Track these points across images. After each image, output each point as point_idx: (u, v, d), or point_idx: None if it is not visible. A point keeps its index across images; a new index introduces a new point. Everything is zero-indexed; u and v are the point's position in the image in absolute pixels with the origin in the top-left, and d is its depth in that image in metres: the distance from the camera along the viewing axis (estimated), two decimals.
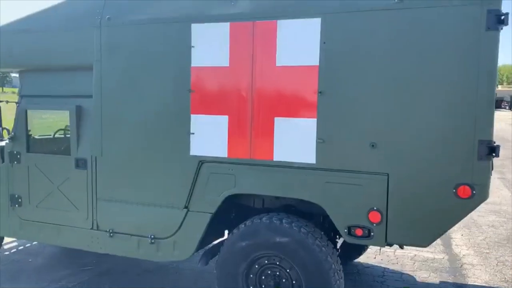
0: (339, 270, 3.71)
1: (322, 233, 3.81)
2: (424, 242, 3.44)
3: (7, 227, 4.93)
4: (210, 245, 4.42)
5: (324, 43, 3.50)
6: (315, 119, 3.57)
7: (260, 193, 3.91)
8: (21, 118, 4.75)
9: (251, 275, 3.90)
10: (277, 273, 3.84)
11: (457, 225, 3.68)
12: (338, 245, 4.62)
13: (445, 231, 3.40)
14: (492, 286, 5.18)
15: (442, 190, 3.27)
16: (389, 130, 3.38)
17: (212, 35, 3.85)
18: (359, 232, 3.54)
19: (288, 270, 3.78)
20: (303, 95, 3.60)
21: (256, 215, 3.96)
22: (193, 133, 3.98)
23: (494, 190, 8.94)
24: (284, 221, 3.77)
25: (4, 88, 54.58)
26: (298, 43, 3.59)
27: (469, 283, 5.24)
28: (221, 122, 3.89)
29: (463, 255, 6.17)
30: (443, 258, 6.05)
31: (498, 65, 3.30)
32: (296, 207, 4.13)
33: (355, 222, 3.54)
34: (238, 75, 3.80)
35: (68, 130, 4.73)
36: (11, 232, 4.96)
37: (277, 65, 3.67)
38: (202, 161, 3.98)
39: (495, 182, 10.77)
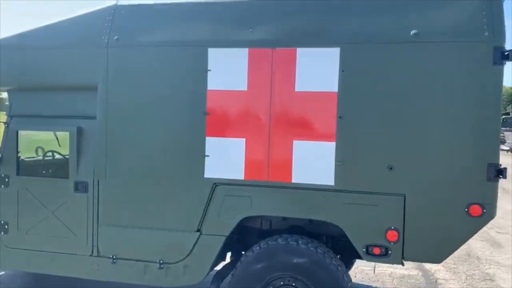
0: None
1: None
2: (438, 258, 3.67)
3: None
4: (220, 268, 4.39)
5: (343, 71, 3.70)
6: (334, 143, 3.73)
7: (276, 214, 3.98)
8: (11, 139, 4.49)
9: None
10: None
11: None
12: None
13: (458, 247, 3.65)
14: None
15: (455, 209, 3.54)
16: (406, 153, 3.61)
17: (230, 60, 3.92)
18: (376, 251, 3.71)
19: None
20: (322, 119, 3.76)
21: (268, 237, 4.01)
22: (208, 156, 3.99)
23: None
24: (300, 242, 3.86)
25: None
26: (318, 70, 3.76)
27: None
28: (238, 144, 3.94)
29: (435, 270, 6.56)
30: (417, 274, 6.40)
31: None
32: (303, 228, 4.24)
33: (373, 242, 3.70)
34: (257, 99, 3.89)
35: (59, 152, 4.55)
36: None
37: (296, 90, 3.81)
38: (216, 184, 3.99)
39: None
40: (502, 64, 3.46)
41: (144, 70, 4.11)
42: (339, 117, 3.71)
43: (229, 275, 4.15)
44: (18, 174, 4.48)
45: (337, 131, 3.72)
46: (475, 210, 3.50)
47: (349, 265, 5.21)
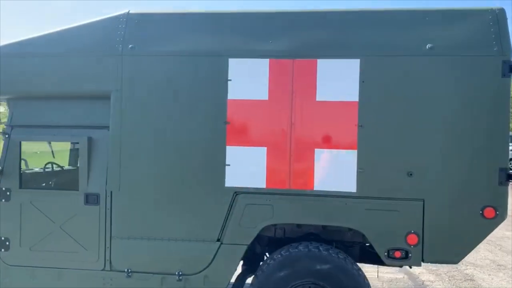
0: None
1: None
2: (455, 259, 3.87)
3: None
4: (236, 277, 4.37)
5: (363, 81, 3.85)
6: (356, 150, 3.86)
7: (298, 222, 4.04)
8: (12, 150, 4.26)
9: None
10: None
11: None
12: None
13: (473, 248, 3.87)
14: None
15: (471, 212, 3.76)
16: (424, 160, 3.80)
17: (250, 70, 3.97)
18: (397, 254, 3.85)
19: None
20: (343, 128, 3.88)
21: (287, 245, 4.06)
22: (228, 165, 3.99)
23: None
24: (321, 248, 3.94)
25: None
26: (338, 80, 3.88)
27: None
28: (259, 153, 3.97)
29: (419, 273, 6.85)
30: (403, 277, 6.67)
31: None
32: (317, 235, 4.32)
33: (394, 245, 3.85)
34: (278, 108, 3.95)
35: (55, 163, 4.38)
36: None
37: (317, 100, 3.91)
38: (237, 192, 4.00)
39: None
40: (510, 76, 3.74)
41: (161, 80, 4.06)
42: (360, 125, 3.85)
43: (248, 284, 4.15)
44: (21, 187, 4.25)
45: (359, 139, 3.85)
46: (489, 212, 3.74)
47: None
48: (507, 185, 3.77)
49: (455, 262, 3.91)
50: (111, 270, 4.15)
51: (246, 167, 3.99)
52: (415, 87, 3.81)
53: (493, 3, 3.84)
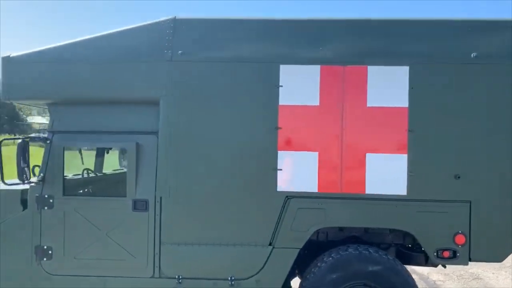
0: None
1: None
2: (500, 257, 4.05)
3: (27, 286, 4.15)
4: None
5: (412, 88, 3.99)
6: (406, 155, 3.99)
7: (349, 225, 4.13)
8: (55, 157, 4.15)
9: None
10: None
11: None
12: None
13: None
14: None
15: None
16: (470, 163, 3.97)
17: (302, 76, 4.04)
18: (446, 254, 4.01)
19: None
20: (394, 133, 4.01)
21: (335, 248, 4.14)
22: (280, 169, 4.04)
23: None
24: (371, 250, 4.04)
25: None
26: (388, 87, 4.01)
27: None
28: (311, 158, 4.04)
29: (427, 273, 7.07)
30: (414, 278, 6.86)
31: None
32: (358, 238, 4.42)
33: (443, 246, 4.00)
34: (329, 113, 4.04)
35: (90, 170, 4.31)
36: None
37: (368, 105, 4.02)
38: (289, 197, 4.05)
39: None
40: None
41: (212, 85, 4.08)
42: (410, 130, 3.99)
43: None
44: (64, 194, 4.15)
45: (409, 143, 3.99)
46: None
47: None
48: None
49: (500, 260, 4.09)
50: (160, 277, 4.10)
51: (297, 171, 4.05)
52: (461, 93, 3.98)
53: (502, 8, 4.06)
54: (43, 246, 4.14)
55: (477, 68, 3.98)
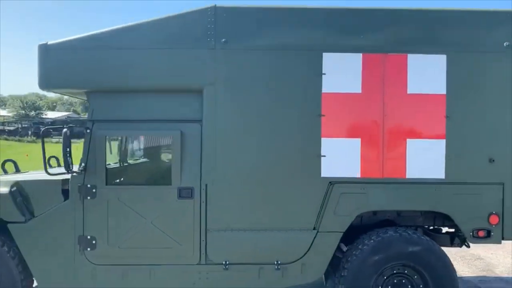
0: None
1: None
2: None
3: (70, 277, 4.11)
4: None
5: (450, 76, 4.15)
6: (444, 140, 4.16)
7: (390, 208, 4.27)
8: (97, 146, 4.10)
9: (380, 286, 4.19)
10: (403, 281, 4.22)
11: None
12: None
13: None
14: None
15: None
16: (504, 147, 4.18)
17: (344, 64, 4.13)
18: (481, 233, 4.22)
19: (415, 277, 4.20)
20: (433, 119, 4.16)
21: (373, 231, 4.28)
22: (324, 156, 4.14)
23: None
24: (409, 232, 4.21)
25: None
26: (427, 74, 4.16)
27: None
28: (354, 144, 4.16)
29: None
30: None
31: None
32: (392, 221, 4.59)
33: (478, 226, 4.21)
34: (371, 100, 4.15)
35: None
36: (77, 283, 4.13)
37: (408, 92, 4.16)
38: (332, 182, 4.15)
39: None
40: None
41: (255, 73, 4.11)
42: (447, 116, 4.15)
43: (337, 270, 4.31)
44: (107, 183, 4.11)
45: (447, 129, 4.16)
46: None
47: None
48: None
49: None
50: (206, 263, 4.14)
51: (340, 157, 4.16)
52: (495, 81, 4.17)
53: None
54: (87, 236, 4.09)
55: (509, 56, 4.17)
